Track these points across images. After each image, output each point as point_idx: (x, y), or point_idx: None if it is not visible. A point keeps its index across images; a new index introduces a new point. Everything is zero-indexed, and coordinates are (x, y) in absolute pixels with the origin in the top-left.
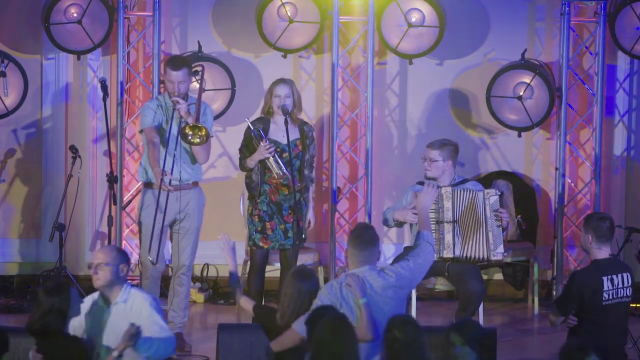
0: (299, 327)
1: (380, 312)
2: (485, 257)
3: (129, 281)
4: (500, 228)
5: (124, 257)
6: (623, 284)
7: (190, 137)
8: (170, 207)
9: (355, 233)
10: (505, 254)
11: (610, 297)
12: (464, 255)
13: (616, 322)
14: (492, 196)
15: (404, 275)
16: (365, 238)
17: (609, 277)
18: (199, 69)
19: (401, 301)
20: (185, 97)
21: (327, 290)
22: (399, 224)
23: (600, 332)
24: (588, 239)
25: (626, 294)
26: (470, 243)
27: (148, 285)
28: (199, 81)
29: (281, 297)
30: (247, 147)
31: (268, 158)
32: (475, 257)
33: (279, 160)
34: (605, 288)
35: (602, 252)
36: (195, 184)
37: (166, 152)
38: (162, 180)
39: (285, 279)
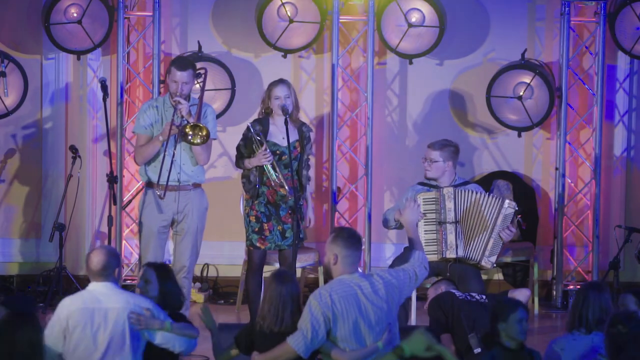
0: (294, 343)
1: (368, 320)
2: (478, 259)
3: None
4: (501, 240)
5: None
6: None
7: (190, 137)
8: (168, 207)
9: (343, 235)
10: (494, 266)
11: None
12: (464, 254)
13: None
14: (510, 208)
15: (392, 283)
16: (357, 237)
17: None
18: (202, 71)
19: (392, 310)
20: (188, 98)
21: (317, 300)
22: (400, 225)
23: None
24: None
25: None
26: (471, 243)
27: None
28: (202, 83)
29: (262, 301)
30: (246, 146)
31: (265, 164)
32: (469, 257)
33: (277, 168)
34: (458, 294)
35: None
36: (197, 185)
37: (164, 152)
38: (176, 107)
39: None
